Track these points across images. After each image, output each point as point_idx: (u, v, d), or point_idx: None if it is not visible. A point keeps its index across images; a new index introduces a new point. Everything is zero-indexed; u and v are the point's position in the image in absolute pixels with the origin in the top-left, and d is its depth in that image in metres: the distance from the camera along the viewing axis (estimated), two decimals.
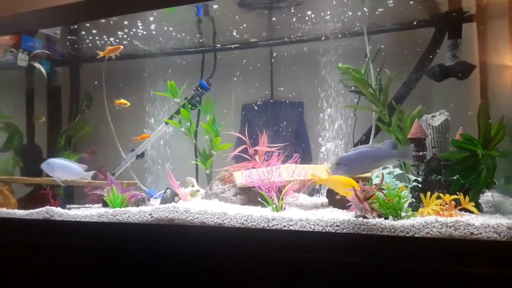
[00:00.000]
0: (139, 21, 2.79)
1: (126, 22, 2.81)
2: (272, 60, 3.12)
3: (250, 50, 3.18)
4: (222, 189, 2.56)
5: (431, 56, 2.63)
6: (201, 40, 3.17)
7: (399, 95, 2.65)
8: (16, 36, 3.07)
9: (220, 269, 1.88)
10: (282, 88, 3.09)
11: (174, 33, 3.00)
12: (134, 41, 3.06)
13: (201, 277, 1.92)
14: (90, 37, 3.08)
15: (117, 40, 3.04)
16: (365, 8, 2.57)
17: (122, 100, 2.92)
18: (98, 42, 3.13)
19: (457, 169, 1.89)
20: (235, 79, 3.16)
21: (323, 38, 2.84)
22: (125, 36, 2.99)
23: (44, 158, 3.32)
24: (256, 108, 3.13)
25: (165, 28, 2.92)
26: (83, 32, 3.04)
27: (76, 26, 2.94)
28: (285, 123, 3.03)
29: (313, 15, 2.66)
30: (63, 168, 2.53)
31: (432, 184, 1.97)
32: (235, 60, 3.18)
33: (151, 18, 2.74)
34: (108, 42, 3.10)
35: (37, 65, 3.16)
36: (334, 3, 2.53)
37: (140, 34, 2.96)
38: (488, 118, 1.82)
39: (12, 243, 2.31)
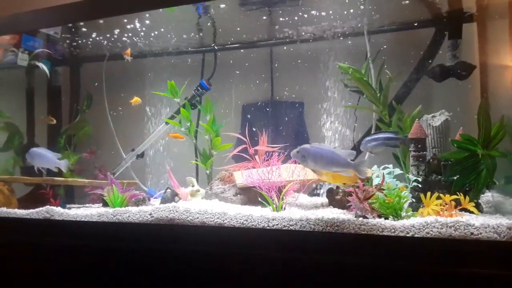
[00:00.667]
0: (137, 20, 2.79)
1: (125, 20, 2.81)
2: (274, 63, 3.12)
3: (251, 50, 3.17)
4: (222, 189, 2.56)
5: (431, 57, 2.62)
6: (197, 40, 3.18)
7: (399, 95, 2.65)
8: (17, 36, 3.07)
9: (220, 269, 1.88)
10: (286, 88, 3.08)
11: (171, 32, 3.01)
12: (128, 39, 3.07)
13: (201, 277, 1.92)
14: (91, 37, 3.08)
15: (116, 40, 3.04)
16: (363, 7, 2.57)
17: (136, 98, 2.97)
18: (96, 42, 3.13)
19: (457, 169, 1.88)
20: (237, 75, 3.15)
21: (323, 38, 2.84)
22: (124, 36, 2.99)
23: None
24: (256, 108, 3.12)
25: (165, 27, 2.92)
26: (83, 32, 3.04)
27: (76, 26, 2.95)
28: (285, 122, 3.03)
29: (313, 15, 2.66)
30: (40, 156, 2.77)
31: (432, 184, 1.97)
32: (236, 60, 3.18)
33: (147, 15, 2.74)
34: (109, 43, 3.10)
35: (40, 64, 3.16)
36: (334, 2, 2.53)
37: (139, 33, 2.96)
38: (488, 118, 1.81)
39: (12, 243, 2.31)
